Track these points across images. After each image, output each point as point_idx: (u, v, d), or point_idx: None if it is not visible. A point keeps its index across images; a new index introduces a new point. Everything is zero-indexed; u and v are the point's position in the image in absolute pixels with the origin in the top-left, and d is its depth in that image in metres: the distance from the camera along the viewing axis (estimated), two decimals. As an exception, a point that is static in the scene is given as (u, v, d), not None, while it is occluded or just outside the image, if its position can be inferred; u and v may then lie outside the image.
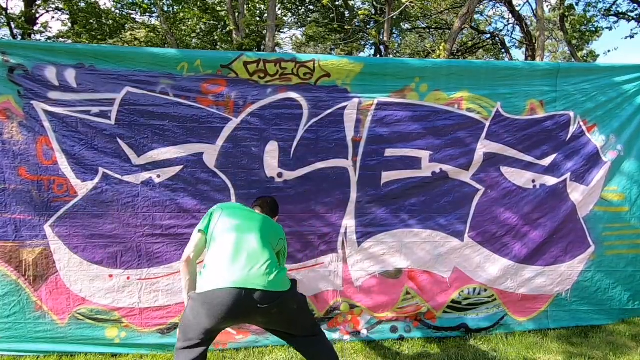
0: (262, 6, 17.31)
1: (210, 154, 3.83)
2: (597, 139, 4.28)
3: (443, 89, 4.06)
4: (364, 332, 4.10)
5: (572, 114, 4.23)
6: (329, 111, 3.95)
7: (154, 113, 3.75)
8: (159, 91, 3.74)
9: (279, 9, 18.10)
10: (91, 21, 14.58)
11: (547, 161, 4.21)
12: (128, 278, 3.81)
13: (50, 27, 18.56)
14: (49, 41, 18.07)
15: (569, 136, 4.25)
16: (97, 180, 3.73)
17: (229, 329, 3.74)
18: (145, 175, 3.78)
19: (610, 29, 17.01)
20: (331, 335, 4.00)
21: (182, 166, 3.81)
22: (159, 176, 3.80)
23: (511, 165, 4.19)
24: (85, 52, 3.73)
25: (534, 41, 15.72)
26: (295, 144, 3.94)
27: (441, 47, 10.95)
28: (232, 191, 3.88)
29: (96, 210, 3.75)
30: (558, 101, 4.22)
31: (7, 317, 3.71)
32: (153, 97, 3.74)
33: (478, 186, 4.18)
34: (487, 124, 4.13)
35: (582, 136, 4.27)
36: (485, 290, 4.25)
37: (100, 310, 3.81)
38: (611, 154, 4.30)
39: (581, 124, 4.26)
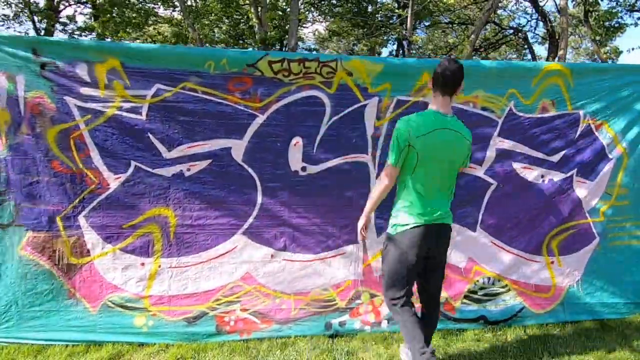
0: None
1: (238, 148, 4.24)
2: (604, 136, 4.69)
3: (460, 88, 4.58)
4: (385, 323, 4.44)
5: (581, 112, 4.65)
6: (350, 109, 4.36)
7: (183, 109, 4.13)
8: (188, 88, 4.13)
9: (302, 4, 18.47)
10: (114, 15, 15.02)
11: (556, 157, 4.64)
12: (159, 266, 4.22)
13: (76, 21, 19.30)
14: (75, 33, 18.64)
15: (577, 134, 4.67)
16: (129, 173, 4.13)
17: (252, 318, 4.31)
18: (175, 169, 4.19)
19: (636, 24, 17.73)
20: (352, 326, 4.40)
21: (210, 160, 4.23)
22: (188, 169, 4.21)
23: (522, 161, 4.62)
24: (115, 50, 4.05)
25: (557, 37, 16.38)
26: (318, 139, 4.35)
27: (465, 42, 11.60)
28: (258, 184, 4.31)
29: (129, 201, 4.15)
30: (569, 100, 4.64)
31: (40, 305, 4.06)
32: (182, 94, 4.11)
33: (491, 180, 4.60)
34: (500, 121, 4.56)
35: (590, 134, 4.68)
36: (499, 280, 4.66)
37: (130, 298, 4.17)
38: (616, 151, 4.72)
39: (590, 122, 4.67)
